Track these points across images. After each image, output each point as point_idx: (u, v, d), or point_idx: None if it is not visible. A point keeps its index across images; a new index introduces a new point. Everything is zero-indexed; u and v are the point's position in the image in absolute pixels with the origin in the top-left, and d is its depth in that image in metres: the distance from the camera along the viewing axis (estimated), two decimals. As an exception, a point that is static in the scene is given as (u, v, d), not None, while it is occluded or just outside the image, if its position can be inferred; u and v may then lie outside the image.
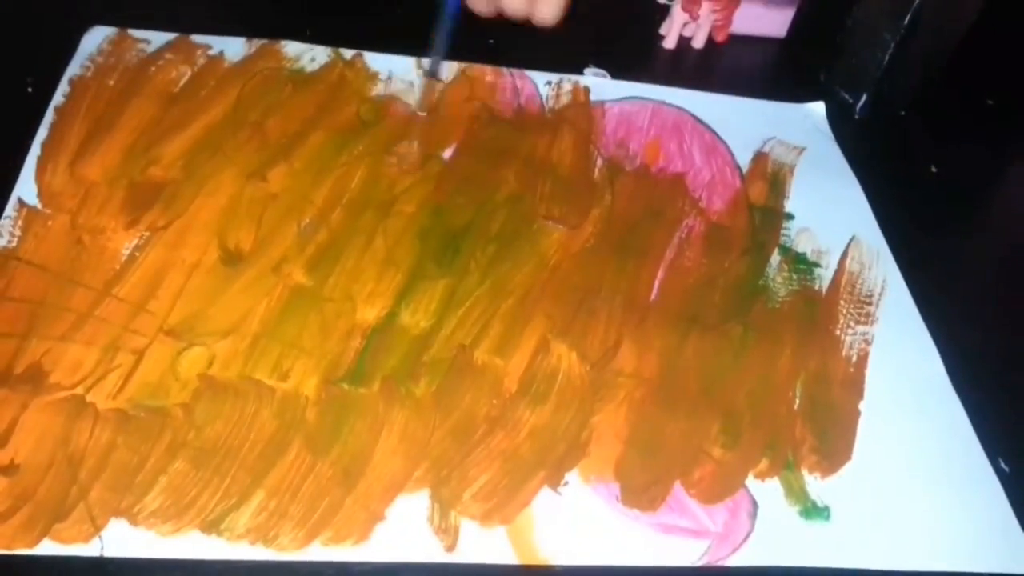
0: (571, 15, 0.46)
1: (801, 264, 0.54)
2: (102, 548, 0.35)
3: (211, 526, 0.37)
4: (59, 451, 0.37)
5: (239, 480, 0.38)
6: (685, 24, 0.68)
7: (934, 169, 0.63)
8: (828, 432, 0.45)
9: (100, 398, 0.39)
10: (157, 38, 0.57)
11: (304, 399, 0.41)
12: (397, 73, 0.58)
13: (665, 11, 0.69)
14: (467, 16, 0.47)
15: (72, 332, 0.41)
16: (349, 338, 0.44)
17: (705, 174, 0.58)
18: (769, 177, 0.59)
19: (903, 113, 0.67)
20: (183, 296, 0.44)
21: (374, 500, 0.38)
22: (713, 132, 0.61)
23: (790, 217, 0.56)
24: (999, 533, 0.42)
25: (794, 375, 0.47)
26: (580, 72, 0.62)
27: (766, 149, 0.60)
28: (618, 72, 0.63)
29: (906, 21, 0.61)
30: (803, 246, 0.55)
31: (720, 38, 0.69)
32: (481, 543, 0.38)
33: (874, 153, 0.63)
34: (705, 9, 0.66)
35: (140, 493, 0.37)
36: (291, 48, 0.58)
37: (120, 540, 0.35)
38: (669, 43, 0.68)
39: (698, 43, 0.69)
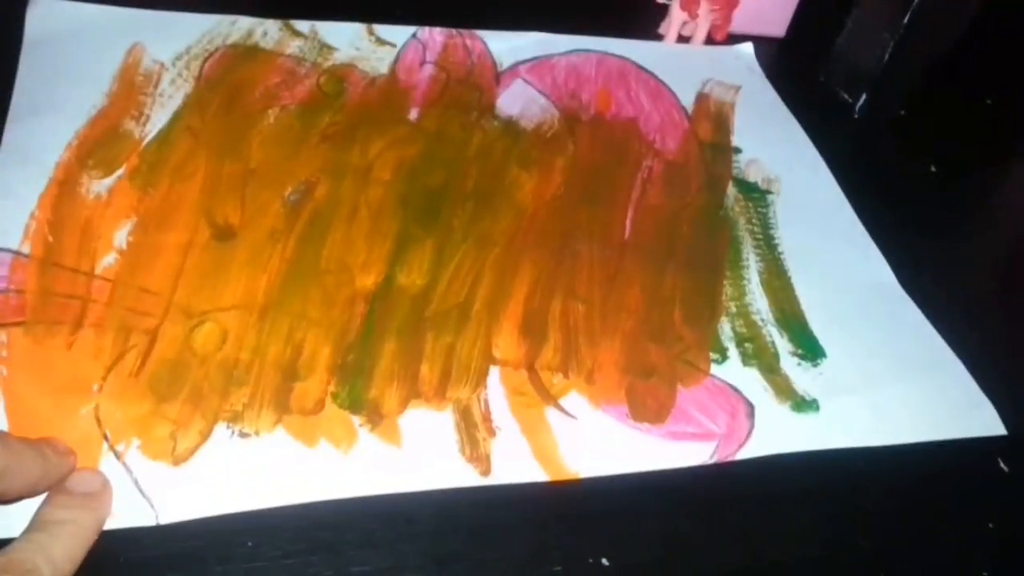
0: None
1: (754, 193, 0.58)
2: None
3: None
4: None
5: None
6: (684, 23, 0.67)
7: (934, 169, 0.63)
8: (799, 335, 0.49)
9: (121, 377, 0.40)
10: (102, 11, 0.56)
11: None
12: (351, 40, 0.60)
13: (664, 10, 0.69)
14: None
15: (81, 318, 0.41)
16: (353, 305, 0.45)
17: (655, 117, 0.61)
18: (713, 115, 0.62)
19: (903, 113, 0.67)
20: (183, 275, 0.44)
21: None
22: (656, 77, 0.64)
23: (738, 151, 0.60)
24: (965, 403, 0.47)
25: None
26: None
27: (706, 90, 0.64)
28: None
29: (906, 21, 0.61)
30: (753, 176, 0.59)
31: (719, 37, 0.69)
32: (513, 466, 0.40)
33: (874, 153, 0.64)
34: (704, 8, 0.66)
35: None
36: (243, 23, 0.59)
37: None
38: (668, 42, 0.68)
39: (697, 42, 0.68)
